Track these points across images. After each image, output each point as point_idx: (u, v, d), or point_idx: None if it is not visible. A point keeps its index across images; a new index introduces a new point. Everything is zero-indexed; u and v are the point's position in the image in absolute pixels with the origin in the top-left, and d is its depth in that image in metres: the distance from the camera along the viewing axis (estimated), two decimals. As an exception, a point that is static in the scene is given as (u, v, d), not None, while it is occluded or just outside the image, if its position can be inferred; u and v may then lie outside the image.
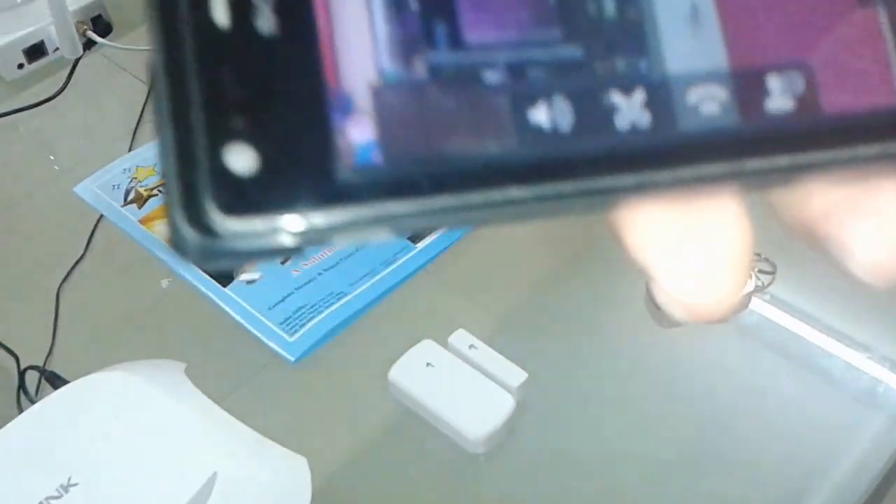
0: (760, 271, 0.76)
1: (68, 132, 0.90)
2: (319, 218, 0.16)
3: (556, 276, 0.79)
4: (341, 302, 0.73)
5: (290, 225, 0.16)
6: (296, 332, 0.71)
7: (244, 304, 0.72)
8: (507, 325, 0.75)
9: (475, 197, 0.17)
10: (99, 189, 0.81)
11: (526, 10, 0.18)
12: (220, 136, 0.16)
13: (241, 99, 0.16)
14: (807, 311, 0.75)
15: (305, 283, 0.74)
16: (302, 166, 0.16)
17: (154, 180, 0.82)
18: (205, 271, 0.74)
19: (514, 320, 0.76)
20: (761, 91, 0.18)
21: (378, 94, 0.17)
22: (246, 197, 0.16)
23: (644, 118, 0.18)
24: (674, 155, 0.18)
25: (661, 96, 0.18)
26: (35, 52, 0.90)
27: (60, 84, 0.89)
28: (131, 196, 0.81)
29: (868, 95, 0.19)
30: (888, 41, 0.19)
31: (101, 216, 0.79)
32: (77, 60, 0.89)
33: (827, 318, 0.75)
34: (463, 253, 0.79)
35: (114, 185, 0.82)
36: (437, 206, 0.17)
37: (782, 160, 0.18)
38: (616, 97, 0.18)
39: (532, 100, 0.18)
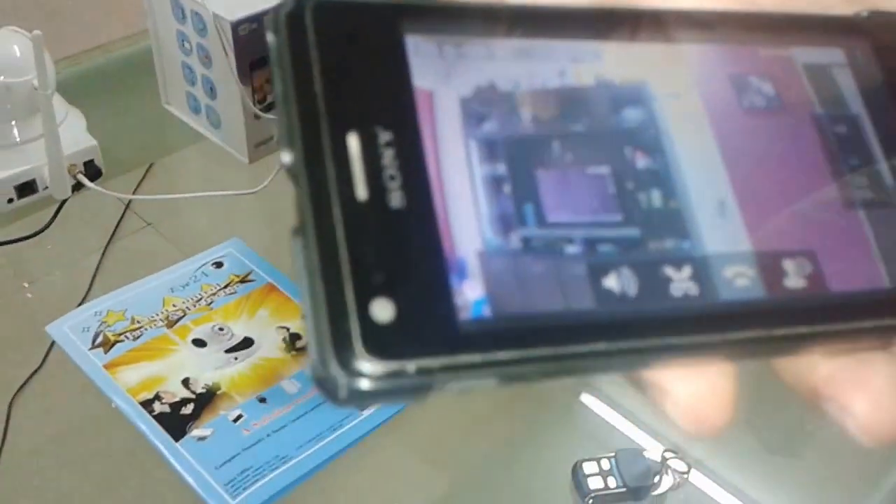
0: (677, 469, 0.79)
1: (47, 269, 0.94)
2: (448, 361, 0.19)
3: (510, 444, 0.83)
4: (286, 466, 0.76)
5: (425, 367, 0.19)
6: (239, 495, 0.74)
7: (193, 462, 0.75)
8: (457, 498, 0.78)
9: (563, 349, 0.20)
10: (69, 330, 0.85)
11: (593, 198, 0.22)
12: (368, 291, 0.19)
13: (383, 259, 0.19)
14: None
15: (253, 444, 0.77)
16: (433, 317, 0.19)
17: (122, 326, 0.86)
18: (159, 423, 0.78)
19: (459, 495, 0.79)
20: (780, 271, 0.22)
21: (484, 260, 0.20)
22: (389, 344, 0.19)
23: (693, 288, 0.22)
24: (718, 319, 0.22)
25: (704, 271, 0.22)
26: (26, 188, 0.94)
27: (46, 221, 0.93)
28: (99, 340, 0.84)
29: (861, 279, 0.23)
30: (871, 239, 0.23)
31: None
32: (64, 201, 0.94)
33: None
34: (408, 422, 0.82)
35: (84, 328, 0.85)
36: (536, 356, 0.20)
37: (800, 329, 0.22)
38: (669, 270, 0.22)
39: (605, 269, 0.21)
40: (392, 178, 0.20)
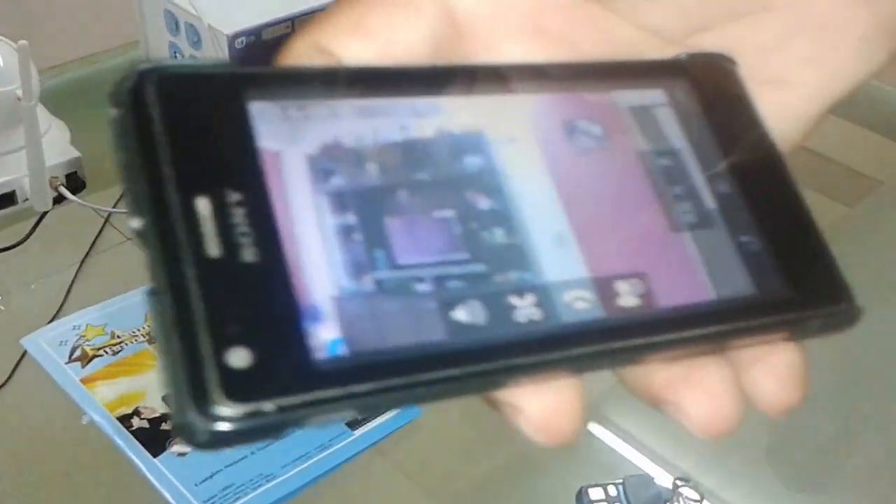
0: (687, 498, 0.76)
1: (24, 281, 0.90)
2: (304, 399, 0.20)
3: (509, 469, 0.79)
4: (269, 485, 0.73)
5: (282, 407, 0.20)
6: (218, 512, 0.70)
7: (171, 478, 0.72)
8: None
9: (418, 378, 0.22)
10: (46, 344, 0.82)
11: (440, 239, 0.24)
12: (222, 342, 0.20)
13: (236, 311, 0.21)
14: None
15: (236, 462, 0.74)
16: (288, 360, 0.21)
17: (101, 340, 0.82)
18: (138, 439, 0.74)
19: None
20: (613, 293, 0.25)
21: (338, 303, 0.22)
22: (246, 389, 0.20)
23: (536, 313, 0.24)
24: (561, 339, 0.23)
25: (545, 297, 0.24)
26: (5, 200, 0.91)
27: (25, 233, 0.90)
28: (76, 354, 0.81)
29: (688, 295, 0.25)
30: (696, 258, 0.26)
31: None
32: (45, 213, 0.91)
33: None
34: (401, 442, 0.79)
35: (61, 341, 0.82)
36: (392, 386, 0.21)
37: (634, 342, 0.24)
38: (513, 299, 0.24)
39: (454, 303, 0.23)
40: (244, 235, 0.21)
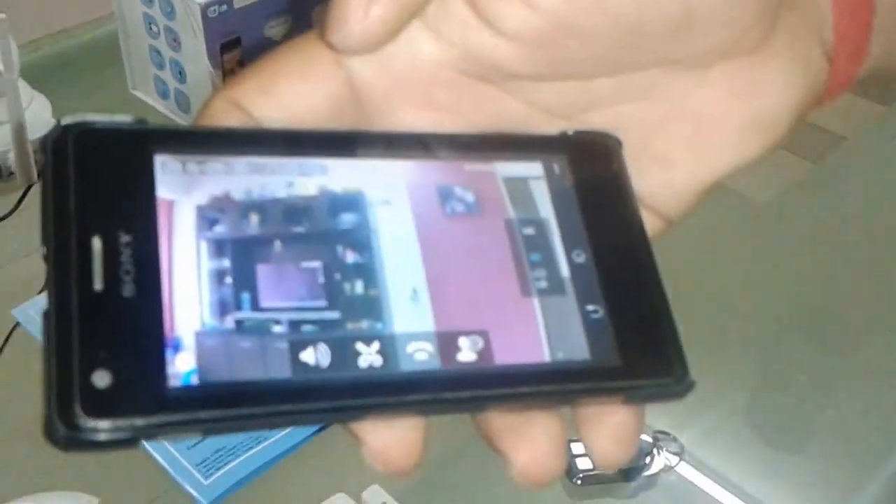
0: (668, 451, 0.79)
1: (12, 254, 0.92)
2: (153, 420, 0.23)
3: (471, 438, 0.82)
4: (261, 446, 0.75)
5: (132, 425, 0.23)
6: (211, 475, 0.72)
7: (164, 442, 0.74)
8: (422, 485, 0.77)
9: (259, 410, 0.25)
10: (36, 313, 0.83)
11: (304, 287, 0.26)
12: (89, 363, 0.23)
13: (107, 338, 0.24)
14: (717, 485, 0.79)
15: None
16: (144, 385, 0.24)
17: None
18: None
19: (430, 481, 0.78)
20: (454, 347, 0.27)
21: (198, 338, 0.25)
22: (103, 406, 0.23)
23: (378, 360, 0.26)
24: (397, 385, 0.26)
25: (390, 346, 0.26)
26: (-10, 174, 0.93)
27: (11, 207, 0.92)
28: (67, 324, 0.83)
29: (525, 355, 0.27)
30: (539, 322, 0.28)
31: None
32: (30, 186, 0.93)
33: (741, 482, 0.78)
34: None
35: (51, 312, 0.84)
36: (234, 415, 0.24)
37: (466, 393, 0.27)
38: (360, 346, 0.26)
39: (304, 345, 0.26)
40: (127, 272, 0.25)
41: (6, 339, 0.82)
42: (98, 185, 0.25)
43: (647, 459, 0.78)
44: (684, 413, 0.83)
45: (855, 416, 0.86)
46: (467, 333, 0.27)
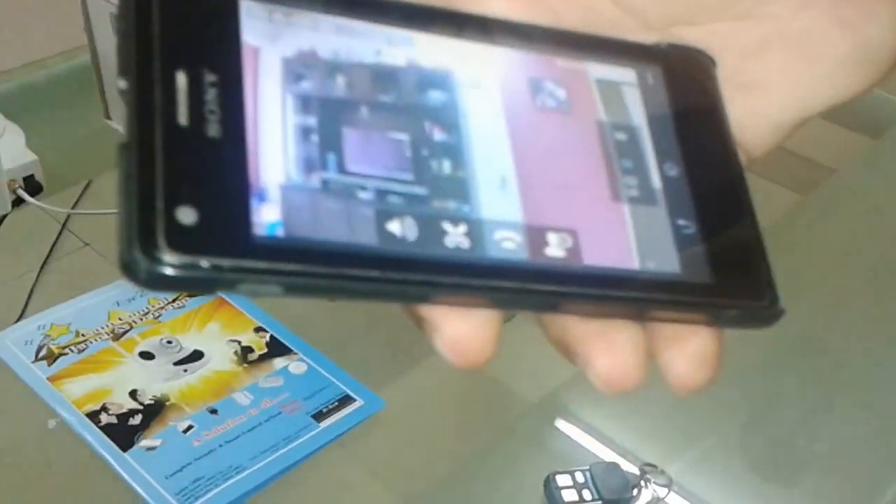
0: (657, 483, 0.77)
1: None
2: (234, 264, 0.22)
3: (465, 460, 0.81)
4: (240, 476, 0.74)
5: (217, 265, 0.22)
6: None
7: (141, 471, 0.72)
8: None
9: (344, 272, 0.24)
10: (11, 343, 0.82)
11: (390, 158, 0.26)
12: (174, 198, 0.22)
13: (192, 175, 0.23)
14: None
15: (205, 455, 0.75)
16: (230, 228, 0.23)
17: (67, 339, 0.83)
18: (106, 434, 0.75)
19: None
20: (543, 241, 0.26)
21: (284, 191, 0.24)
22: (188, 242, 0.22)
23: (465, 242, 0.25)
24: (482, 270, 0.25)
25: (477, 231, 0.25)
26: (-36, 203, 0.91)
27: (-16, 236, 0.90)
28: (42, 353, 0.81)
29: (614, 259, 0.27)
30: (630, 229, 0.27)
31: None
32: (4, 216, 0.91)
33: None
34: (366, 435, 0.80)
35: (26, 341, 0.82)
36: (318, 272, 0.23)
37: (551, 288, 0.26)
38: (447, 225, 0.25)
39: (390, 215, 0.25)
40: (212, 112, 0.24)
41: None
42: (182, 20, 0.25)
43: (635, 492, 0.76)
44: (672, 445, 0.82)
45: (845, 450, 0.85)
46: (556, 230, 0.26)
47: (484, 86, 0.28)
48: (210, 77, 0.24)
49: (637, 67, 0.30)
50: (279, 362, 0.84)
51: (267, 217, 0.23)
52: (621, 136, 0.29)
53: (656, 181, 0.28)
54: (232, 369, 0.83)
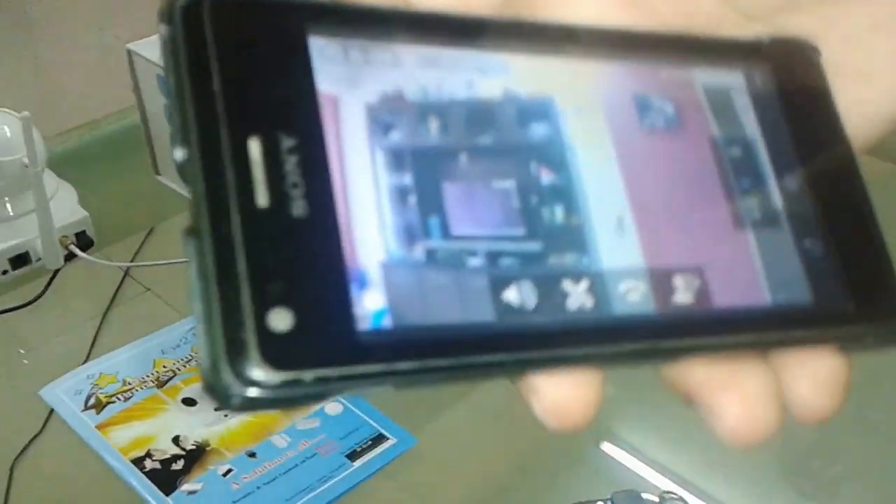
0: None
1: (42, 336, 0.96)
2: (342, 372, 0.19)
3: (493, 495, 0.84)
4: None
5: (322, 376, 0.19)
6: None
7: (182, 514, 0.77)
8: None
9: (463, 360, 0.21)
10: (62, 393, 0.87)
11: (498, 211, 0.22)
12: (265, 300, 0.19)
13: (282, 268, 0.19)
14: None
15: (243, 497, 0.78)
16: (331, 327, 0.20)
17: (114, 387, 0.87)
18: (151, 479, 0.79)
19: None
20: (669, 287, 0.23)
21: (386, 270, 0.21)
22: (285, 354, 0.19)
23: (588, 301, 0.22)
24: (608, 332, 0.22)
25: (599, 285, 0.23)
26: (19, 261, 0.97)
27: (39, 290, 0.96)
28: (91, 401, 0.86)
29: (744, 296, 0.24)
30: (756, 259, 0.24)
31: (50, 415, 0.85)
32: (57, 270, 0.97)
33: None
34: (402, 470, 0.83)
35: (76, 391, 0.87)
36: (434, 366, 0.20)
37: (685, 342, 0.23)
38: (567, 283, 0.22)
39: (506, 282, 0.22)
40: (294, 185, 0.20)
41: (46, 421, 0.85)
42: (245, 70, 0.20)
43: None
44: (692, 473, 0.84)
45: (860, 472, 0.85)
46: (682, 271, 0.24)
47: (587, 110, 0.24)
48: (287, 141, 0.20)
49: (744, 68, 0.27)
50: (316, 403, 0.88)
51: (371, 305, 0.20)
52: (736, 152, 0.26)
53: (777, 199, 0.25)
54: (270, 412, 0.87)
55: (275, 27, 0.21)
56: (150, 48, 1.02)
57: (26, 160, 0.92)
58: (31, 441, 0.84)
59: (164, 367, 0.90)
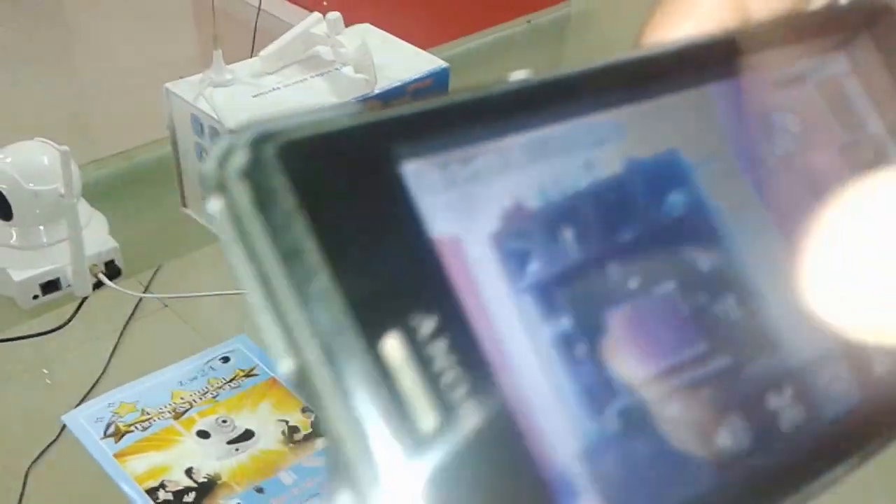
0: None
1: (68, 361, 1.01)
2: None
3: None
4: (279, 553, 0.82)
5: None
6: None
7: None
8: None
9: None
10: (83, 420, 0.92)
11: (671, 329, 0.17)
12: None
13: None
14: None
15: (254, 530, 0.83)
16: None
17: (133, 417, 0.92)
18: (162, 509, 0.84)
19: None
20: (867, 358, 0.18)
21: (588, 463, 0.16)
22: None
23: (799, 412, 0.17)
24: (826, 445, 0.17)
25: (801, 387, 0.17)
26: (50, 286, 1.02)
27: (67, 317, 1.01)
28: (111, 430, 0.91)
29: None
30: None
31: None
32: (85, 297, 1.01)
33: None
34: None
35: (97, 418, 0.92)
36: None
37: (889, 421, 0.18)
38: (772, 398, 0.17)
39: (711, 424, 0.17)
40: (450, 386, 0.14)
41: (57, 435, 0.91)
42: (344, 239, 0.14)
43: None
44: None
45: (866, 480, 0.89)
46: (879, 344, 0.17)
47: (711, 153, 0.19)
48: (426, 325, 0.15)
49: (845, 48, 0.21)
50: (321, 443, 0.93)
51: None
52: (868, 155, 0.21)
53: None
54: (279, 449, 0.91)
55: (359, 164, 0.15)
56: (187, 88, 1.07)
57: (62, 190, 0.97)
58: (42, 451, 0.89)
59: (182, 398, 0.95)
